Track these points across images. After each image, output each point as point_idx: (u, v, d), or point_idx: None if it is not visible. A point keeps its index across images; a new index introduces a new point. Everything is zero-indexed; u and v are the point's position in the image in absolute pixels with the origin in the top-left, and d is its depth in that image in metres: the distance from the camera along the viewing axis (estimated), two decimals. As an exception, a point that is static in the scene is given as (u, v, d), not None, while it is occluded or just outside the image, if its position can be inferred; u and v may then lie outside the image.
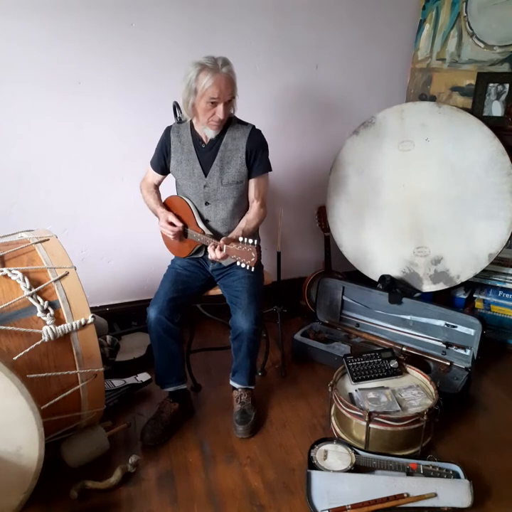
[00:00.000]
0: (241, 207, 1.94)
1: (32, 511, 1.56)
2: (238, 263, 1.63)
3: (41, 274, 1.62)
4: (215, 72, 1.69)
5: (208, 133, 1.85)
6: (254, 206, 1.94)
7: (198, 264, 2.01)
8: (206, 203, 1.91)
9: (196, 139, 1.89)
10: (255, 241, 1.59)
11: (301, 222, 2.82)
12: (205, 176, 1.88)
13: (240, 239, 1.63)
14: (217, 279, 2.00)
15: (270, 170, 1.94)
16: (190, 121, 1.89)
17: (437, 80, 2.56)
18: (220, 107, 1.73)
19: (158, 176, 2.05)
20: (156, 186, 2.10)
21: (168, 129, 1.96)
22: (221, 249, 1.66)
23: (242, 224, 1.89)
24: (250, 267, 1.59)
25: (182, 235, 1.96)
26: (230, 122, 1.87)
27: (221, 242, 1.67)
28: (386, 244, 2.49)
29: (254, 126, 1.91)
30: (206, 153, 1.88)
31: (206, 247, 1.85)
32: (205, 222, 1.93)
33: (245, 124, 1.91)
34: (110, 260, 2.52)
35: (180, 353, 1.93)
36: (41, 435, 1.39)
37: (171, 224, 1.92)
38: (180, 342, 1.92)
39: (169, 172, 2.00)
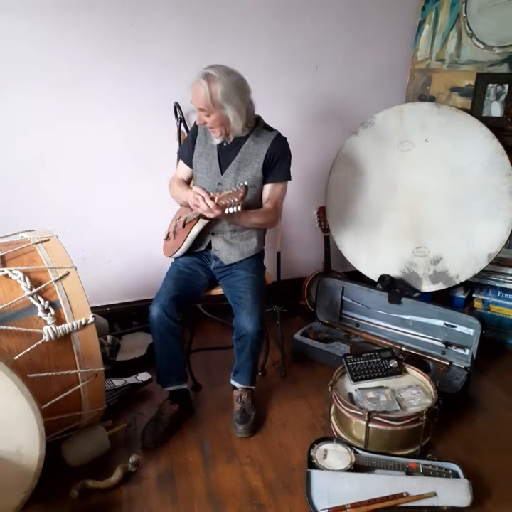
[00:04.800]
0: (251, 209, 1.92)
1: (33, 511, 1.57)
2: (227, 210, 1.65)
3: (42, 274, 1.62)
4: (194, 82, 1.74)
5: (213, 139, 1.88)
6: (265, 206, 1.93)
7: (201, 262, 2.01)
8: None
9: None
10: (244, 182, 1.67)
11: (301, 223, 2.83)
12: (221, 174, 1.90)
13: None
14: (220, 278, 2.01)
15: (289, 179, 1.95)
16: None
17: (437, 81, 2.57)
18: (198, 113, 1.78)
19: (188, 170, 2.04)
20: (186, 183, 2.08)
21: (198, 126, 1.97)
22: (212, 199, 1.67)
23: (253, 212, 1.87)
24: (237, 206, 1.62)
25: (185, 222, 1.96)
26: (255, 125, 1.88)
27: (211, 194, 1.70)
28: (386, 244, 2.50)
29: (279, 134, 1.91)
30: (228, 153, 1.89)
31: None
32: (215, 219, 1.92)
33: (271, 130, 1.91)
34: (111, 260, 2.53)
35: (181, 352, 1.93)
36: (42, 434, 1.39)
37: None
38: (182, 341, 1.92)
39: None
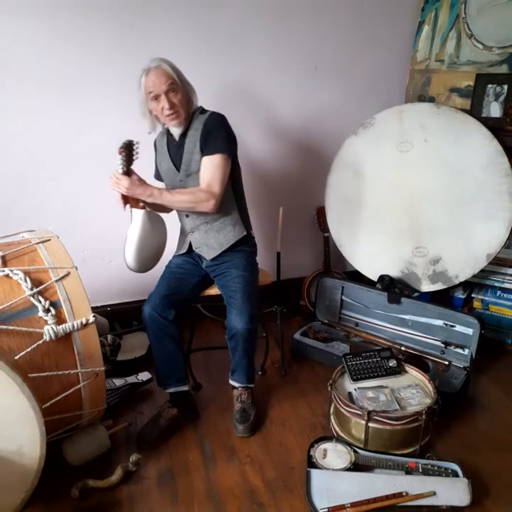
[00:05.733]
0: None
1: (33, 510, 1.57)
2: (120, 170, 1.77)
3: (42, 274, 1.63)
4: (148, 71, 1.81)
5: (173, 131, 1.92)
6: (199, 186, 1.84)
7: (193, 261, 2.04)
8: None
9: (170, 139, 1.96)
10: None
11: (301, 223, 2.83)
12: (178, 171, 1.93)
13: None
14: (214, 276, 2.02)
15: (220, 152, 1.81)
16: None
17: (436, 81, 2.57)
18: (162, 98, 1.79)
19: (159, 183, 2.10)
20: None
21: (154, 141, 2.05)
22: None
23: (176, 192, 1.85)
24: (119, 156, 1.75)
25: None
26: (193, 114, 1.90)
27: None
28: (385, 244, 2.50)
29: (213, 112, 1.90)
30: (177, 150, 1.93)
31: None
32: (187, 216, 1.99)
33: (205, 112, 1.91)
34: (111, 260, 2.53)
35: (179, 353, 1.92)
36: (42, 434, 1.39)
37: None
38: (179, 342, 1.91)
39: None
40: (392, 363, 1.97)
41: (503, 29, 2.30)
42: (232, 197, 1.98)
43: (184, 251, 2.05)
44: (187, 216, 1.99)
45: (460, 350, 2.19)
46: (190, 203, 1.85)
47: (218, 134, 1.84)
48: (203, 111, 1.92)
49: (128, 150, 1.76)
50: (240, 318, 1.82)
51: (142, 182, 1.82)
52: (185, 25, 2.26)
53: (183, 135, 1.90)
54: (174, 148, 1.95)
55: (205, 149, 1.84)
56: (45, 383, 1.54)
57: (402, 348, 2.31)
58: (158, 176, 2.11)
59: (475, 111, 2.38)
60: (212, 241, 1.97)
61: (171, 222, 2.14)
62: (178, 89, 1.81)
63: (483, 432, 1.91)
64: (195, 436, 1.92)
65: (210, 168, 1.82)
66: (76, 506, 1.60)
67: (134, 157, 1.80)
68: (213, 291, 2.03)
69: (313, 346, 2.38)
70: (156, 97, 1.80)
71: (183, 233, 2.08)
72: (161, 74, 1.78)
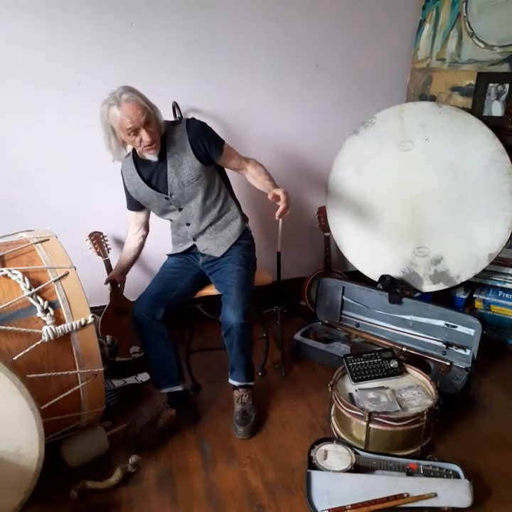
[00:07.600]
0: (212, 198, 1.96)
1: (32, 511, 1.57)
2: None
3: (41, 274, 1.62)
4: (119, 104, 1.73)
5: (150, 157, 1.88)
6: (247, 166, 1.98)
7: (187, 260, 2.05)
8: (180, 209, 1.96)
9: (140, 162, 1.92)
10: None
11: (302, 222, 2.82)
12: (162, 190, 1.91)
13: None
14: (210, 274, 2.01)
15: (223, 143, 1.95)
16: (132, 150, 1.92)
17: (437, 80, 2.56)
18: (142, 132, 1.75)
19: (133, 213, 2.10)
20: (139, 228, 2.14)
21: (121, 172, 2.02)
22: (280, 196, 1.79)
23: (262, 179, 1.94)
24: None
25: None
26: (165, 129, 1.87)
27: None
28: (386, 244, 2.49)
29: (187, 119, 1.91)
30: (156, 169, 1.89)
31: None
32: (187, 225, 1.99)
33: (178, 122, 1.91)
34: (110, 260, 2.52)
35: (171, 353, 1.91)
36: (41, 435, 1.39)
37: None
38: (170, 342, 1.90)
39: (143, 206, 2.06)
40: (393, 363, 1.96)
41: (505, 28, 2.29)
42: (227, 192, 2.02)
43: (180, 251, 2.05)
44: (188, 224, 1.98)
45: (461, 351, 2.18)
46: (266, 169, 2.00)
47: (210, 134, 1.92)
48: (173, 123, 1.91)
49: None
50: (233, 312, 1.81)
51: (276, 191, 1.82)
52: (184, 23, 2.25)
53: (160, 153, 1.86)
54: (150, 170, 1.91)
55: (216, 151, 1.91)
56: (43, 384, 1.53)
57: (404, 349, 2.30)
58: (133, 206, 2.07)
59: (476, 110, 2.37)
60: (220, 239, 2.00)
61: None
62: (152, 118, 1.76)
63: (485, 433, 1.90)
64: (195, 437, 1.91)
65: (233, 154, 1.97)
66: (75, 508, 1.60)
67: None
68: (211, 291, 2.01)
69: (313, 347, 2.37)
70: (135, 132, 1.75)
71: (183, 240, 2.07)
72: (136, 108, 1.72)
